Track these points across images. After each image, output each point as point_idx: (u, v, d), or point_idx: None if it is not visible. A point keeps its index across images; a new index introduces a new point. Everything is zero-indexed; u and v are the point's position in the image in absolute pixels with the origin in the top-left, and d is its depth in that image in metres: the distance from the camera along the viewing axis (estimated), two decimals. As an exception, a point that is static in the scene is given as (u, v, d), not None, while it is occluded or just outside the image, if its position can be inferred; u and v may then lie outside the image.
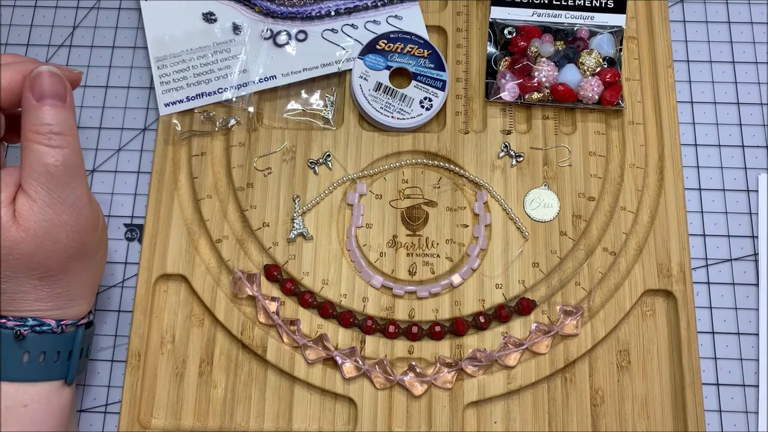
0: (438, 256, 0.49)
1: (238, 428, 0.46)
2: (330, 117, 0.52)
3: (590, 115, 0.52)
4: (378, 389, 0.46)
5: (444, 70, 0.51)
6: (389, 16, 0.54)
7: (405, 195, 0.50)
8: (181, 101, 0.51)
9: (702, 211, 0.51)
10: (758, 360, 0.48)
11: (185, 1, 0.54)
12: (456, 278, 0.48)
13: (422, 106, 0.51)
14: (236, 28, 0.53)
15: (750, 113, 0.53)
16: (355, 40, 0.53)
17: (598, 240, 0.49)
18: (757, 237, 0.51)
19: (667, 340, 0.48)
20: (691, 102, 0.54)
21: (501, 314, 0.47)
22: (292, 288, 0.48)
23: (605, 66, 0.52)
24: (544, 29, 0.53)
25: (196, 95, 0.51)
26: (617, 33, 0.53)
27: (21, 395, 0.39)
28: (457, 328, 0.47)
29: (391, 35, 0.52)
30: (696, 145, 0.53)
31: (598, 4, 0.53)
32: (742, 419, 0.47)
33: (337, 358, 0.46)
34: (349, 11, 0.54)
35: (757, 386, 0.48)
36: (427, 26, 0.54)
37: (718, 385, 0.48)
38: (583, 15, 0.53)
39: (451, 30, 0.54)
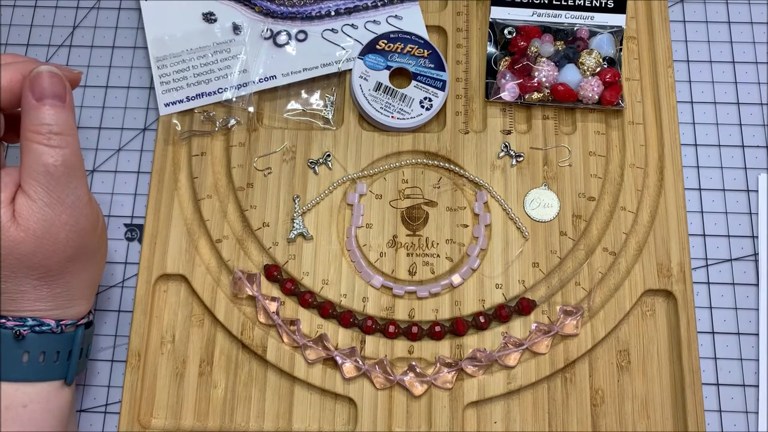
0: (438, 256, 0.49)
1: (238, 428, 0.46)
2: (330, 117, 0.52)
3: (590, 115, 0.52)
4: (378, 389, 0.46)
5: (444, 70, 0.51)
6: (389, 16, 0.54)
7: (405, 195, 0.50)
8: (181, 101, 0.51)
9: (702, 211, 0.51)
10: (758, 360, 0.48)
11: (185, 1, 0.54)
12: (456, 278, 0.48)
13: (422, 106, 0.51)
14: (236, 28, 0.53)
15: (750, 113, 0.53)
16: (355, 40, 0.53)
17: (598, 240, 0.49)
18: (757, 237, 0.51)
19: (667, 340, 0.48)
20: (691, 102, 0.54)
21: (501, 314, 0.47)
22: (292, 288, 0.48)
23: (605, 66, 0.52)
24: (544, 29, 0.53)
25: (196, 95, 0.51)
26: (617, 33, 0.52)
27: (20, 395, 0.39)
28: (457, 328, 0.47)
29: (391, 35, 0.52)
30: (696, 145, 0.53)
31: (598, 4, 0.53)
32: (742, 419, 0.47)
33: (337, 358, 0.46)
34: (349, 11, 0.54)
35: (757, 386, 0.48)
36: (427, 26, 0.54)
37: (718, 385, 0.48)
38: (583, 15, 0.53)
39: (451, 30, 0.54)
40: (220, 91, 0.51)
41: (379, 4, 0.54)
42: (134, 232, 0.52)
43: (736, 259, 0.50)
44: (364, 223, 0.49)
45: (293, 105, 0.53)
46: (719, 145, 0.53)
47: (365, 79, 0.51)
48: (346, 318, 0.47)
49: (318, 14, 0.53)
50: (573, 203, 0.50)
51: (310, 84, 0.53)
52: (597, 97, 0.51)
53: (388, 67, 0.51)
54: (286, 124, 0.52)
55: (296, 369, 0.47)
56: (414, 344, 0.47)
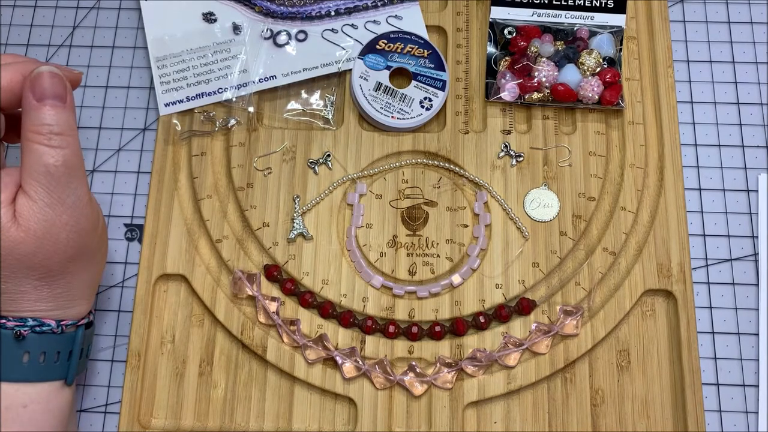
0: (438, 256, 0.49)
1: (238, 428, 0.47)
2: (330, 117, 0.52)
3: (590, 115, 0.52)
4: (378, 389, 0.46)
5: (444, 70, 0.51)
6: (389, 16, 0.54)
7: (405, 195, 0.50)
8: (181, 101, 0.51)
9: (702, 211, 0.51)
10: (758, 360, 0.48)
11: (185, 1, 0.54)
12: (456, 278, 0.48)
13: (422, 106, 0.51)
14: (236, 28, 0.53)
15: (750, 113, 0.53)
16: (355, 40, 0.53)
17: (598, 240, 0.49)
18: (757, 237, 0.51)
19: (667, 340, 0.48)
20: (691, 102, 0.54)
21: (501, 314, 0.47)
22: (292, 288, 0.48)
23: (605, 66, 0.52)
24: (544, 29, 0.53)
25: (196, 95, 0.51)
26: (617, 33, 0.52)
27: (21, 395, 0.39)
28: (457, 328, 0.47)
29: (391, 35, 0.52)
30: (696, 145, 0.53)
31: (598, 4, 0.53)
32: (742, 419, 0.47)
33: (337, 358, 0.46)
34: (349, 11, 0.54)
35: (757, 386, 0.48)
36: (427, 26, 0.54)
37: (718, 385, 0.48)
38: (583, 15, 0.53)
39: (451, 30, 0.54)
40: (220, 91, 0.51)
41: (379, 4, 0.54)
42: (134, 232, 0.52)
43: (736, 259, 0.50)
44: (364, 223, 0.49)
45: (293, 105, 0.53)
46: (719, 145, 0.53)
47: (365, 79, 0.51)
48: (346, 318, 0.47)
49: (318, 14, 0.53)
50: (573, 203, 0.50)
51: (310, 84, 0.53)
52: (597, 97, 0.51)
53: (388, 67, 0.51)
54: (286, 124, 0.52)
55: (296, 369, 0.47)
56: (414, 344, 0.47)
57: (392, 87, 0.51)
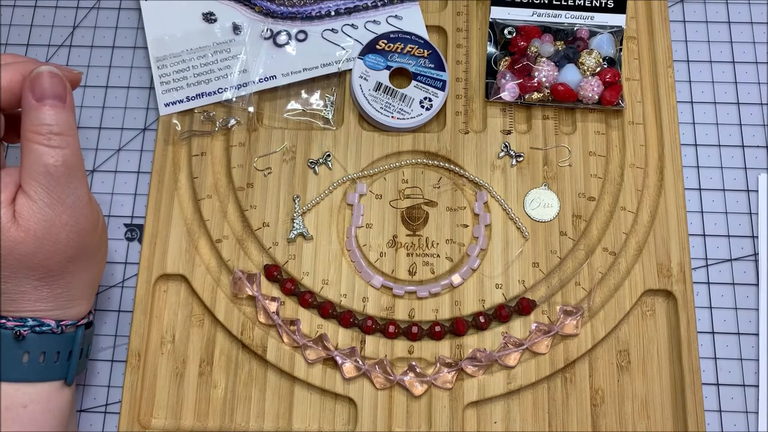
0: (438, 256, 0.49)
1: (238, 428, 0.47)
2: (330, 117, 0.52)
3: (590, 115, 0.52)
4: (378, 389, 0.46)
5: (444, 70, 0.51)
6: (389, 16, 0.54)
7: (405, 195, 0.50)
8: (181, 101, 0.51)
9: (702, 211, 0.51)
10: (758, 360, 0.48)
11: (185, 1, 0.54)
12: (456, 278, 0.48)
13: (422, 106, 0.51)
14: (236, 28, 0.53)
15: (750, 113, 0.53)
16: (355, 40, 0.53)
17: (598, 240, 0.49)
18: (757, 237, 0.51)
19: (667, 340, 0.48)
20: (691, 102, 0.54)
21: (501, 314, 0.47)
22: (292, 288, 0.48)
23: (605, 66, 0.52)
24: (544, 29, 0.53)
25: (196, 95, 0.51)
26: (617, 33, 0.52)
27: (21, 396, 0.39)
28: (457, 328, 0.47)
29: (391, 35, 0.52)
30: (696, 145, 0.53)
31: (598, 4, 0.53)
32: (742, 419, 0.47)
33: (337, 358, 0.46)
34: (349, 11, 0.54)
35: (757, 386, 0.48)
36: (427, 26, 0.54)
37: (718, 385, 0.48)
38: (583, 15, 0.53)
39: (451, 30, 0.54)
40: (220, 91, 0.51)
41: (379, 4, 0.54)
42: (134, 232, 0.52)
43: (736, 259, 0.50)
44: (364, 223, 0.49)
45: (293, 105, 0.53)
46: (719, 145, 0.53)
47: (365, 79, 0.51)
48: (346, 318, 0.47)
49: (318, 14, 0.53)
50: (573, 203, 0.50)
51: (310, 84, 0.53)
52: (597, 97, 0.51)
53: (388, 67, 0.51)
54: (286, 124, 0.52)
55: (296, 369, 0.47)
56: (414, 344, 0.47)
57: (392, 87, 0.51)
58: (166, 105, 0.51)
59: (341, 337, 0.47)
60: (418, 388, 0.46)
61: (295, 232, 0.49)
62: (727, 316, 0.49)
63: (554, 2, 0.53)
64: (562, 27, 0.53)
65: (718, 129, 0.53)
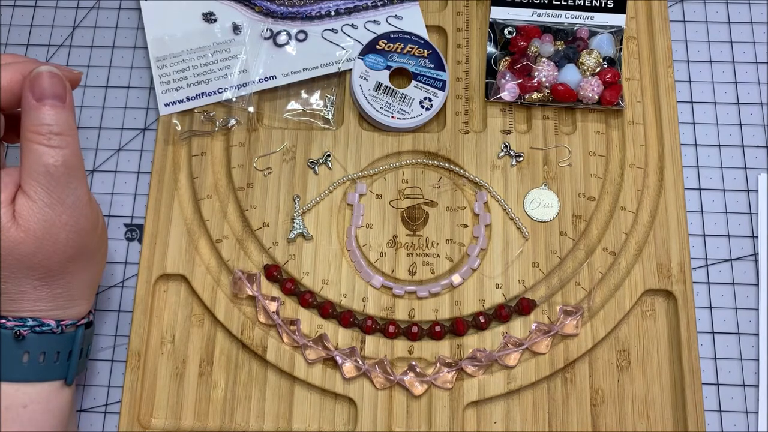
0: (438, 256, 0.49)
1: (238, 428, 0.47)
2: (330, 117, 0.52)
3: (590, 115, 0.52)
4: (378, 389, 0.46)
5: (444, 70, 0.51)
6: (389, 16, 0.54)
7: (405, 195, 0.50)
8: (181, 101, 0.51)
9: (702, 211, 0.51)
10: (758, 360, 0.48)
11: (185, 1, 0.54)
12: (456, 278, 0.48)
13: (422, 106, 0.51)
14: (236, 28, 0.53)
15: (750, 113, 0.53)
16: (355, 40, 0.53)
17: (598, 240, 0.49)
18: (757, 237, 0.51)
19: (667, 340, 0.48)
20: (691, 102, 0.54)
21: (501, 314, 0.47)
22: (292, 288, 0.48)
23: (605, 66, 0.52)
24: (544, 29, 0.53)
25: (196, 95, 0.51)
26: (617, 33, 0.52)
27: (20, 395, 0.39)
28: (457, 328, 0.47)
29: (391, 35, 0.52)
30: (696, 145, 0.53)
31: (598, 4, 0.53)
32: (742, 419, 0.47)
33: (337, 358, 0.46)
34: (349, 11, 0.54)
35: (757, 386, 0.48)
36: (427, 26, 0.54)
37: (718, 385, 0.48)
38: (583, 15, 0.53)
39: (451, 30, 0.54)
40: (220, 91, 0.51)
41: (379, 4, 0.54)
42: (134, 232, 0.52)
43: (736, 259, 0.50)
44: (364, 223, 0.49)
45: (293, 105, 0.53)
46: (719, 145, 0.53)
47: (365, 79, 0.51)
48: (346, 318, 0.47)
49: (318, 14, 0.53)
50: (573, 203, 0.50)
51: (310, 84, 0.53)
52: (597, 97, 0.51)
53: (388, 67, 0.51)
54: (286, 124, 0.52)
55: (296, 369, 0.47)
56: (414, 344, 0.47)
57: (392, 87, 0.51)
58: (166, 105, 0.51)
59: (341, 337, 0.47)
60: (418, 388, 0.46)
61: (295, 232, 0.49)
62: (727, 316, 0.49)
63: (554, 2, 0.53)
64: (562, 27, 0.53)
65: (718, 129, 0.53)
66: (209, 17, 0.53)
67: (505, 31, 0.53)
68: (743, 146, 0.53)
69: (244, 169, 0.50)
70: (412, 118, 0.50)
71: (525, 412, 0.47)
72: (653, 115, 0.52)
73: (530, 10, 0.53)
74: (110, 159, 0.53)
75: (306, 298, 0.48)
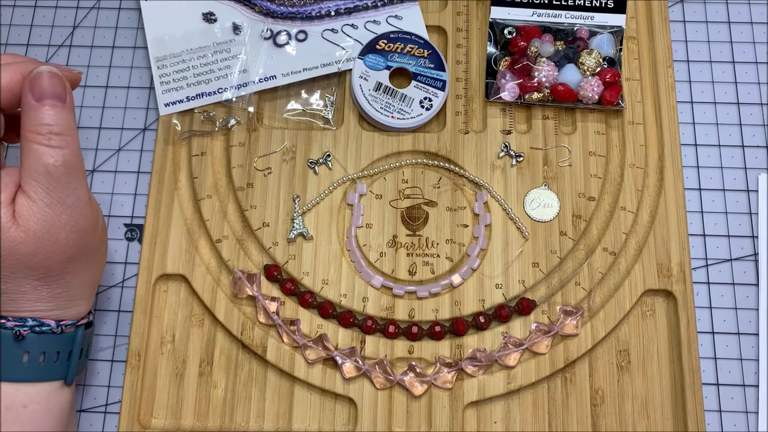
0: (438, 256, 0.49)
1: (238, 428, 0.47)
2: (330, 117, 0.52)
3: (590, 115, 0.52)
4: (378, 389, 0.46)
5: (444, 70, 0.51)
6: (389, 16, 0.54)
7: (405, 195, 0.50)
8: (181, 101, 0.51)
9: (702, 211, 0.51)
10: (758, 360, 0.48)
11: (185, 1, 0.54)
12: (456, 278, 0.48)
13: (422, 106, 0.51)
14: (236, 28, 0.53)
15: (750, 113, 0.53)
16: (355, 40, 0.53)
17: (598, 240, 0.49)
18: (757, 237, 0.51)
19: (667, 340, 0.48)
20: (691, 102, 0.54)
21: (501, 314, 0.47)
22: (292, 288, 0.48)
23: (605, 66, 0.52)
24: (544, 29, 0.53)
25: (196, 95, 0.51)
26: (617, 33, 0.52)
27: (20, 396, 0.39)
28: (457, 328, 0.47)
29: (391, 35, 0.52)
30: (696, 145, 0.53)
31: (598, 4, 0.53)
32: (742, 419, 0.47)
33: (337, 358, 0.46)
34: (349, 11, 0.54)
35: (757, 386, 0.48)
36: (427, 26, 0.54)
37: (718, 385, 0.48)
38: (583, 15, 0.53)
39: (451, 30, 0.54)
40: (220, 91, 0.51)
41: (379, 4, 0.54)
42: (134, 232, 0.52)
43: (736, 259, 0.50)
44: (364, 223, 0.49)
45: (293, 105, 0.53)
46: (719, 145, 0.53)
47: (365, 79, 0.51)
48: (346, 318, 0.47)
49: (318, 14, 0.53)
50: (573, 203, 0.50)
51: (310, 84, 0.53)
52: (597, 97, 0.51)
53: (388, 67, 0.51)
54: (286, 124, 0.52)
55: (296, 369, 0.47)
56: (414, 344, 0.47)
57: (392, 87, 0.51)
58: (166, 105, 0.51)
59: (341, 337, 0.47)
60: (418, 388, 0.46)
61: (295, 232, 0.49)
62: (727, 316, 0.49)
63: (554, 2, 0.53)
64: (562, 27, 0.53)
65: (718, 129, 0.53)
66: (209, 17, 0.53)
67: (505, 31, 0.53)
68: (743, 146, 0.53)
69: (244, 169, 0.50)
70: (412, 118, 0.50)
71: (525, 412, 0.47)
72: (653, 115, 0.52)
73: (530, 10, 0.53)
74: (110, 159, 0.53)
75: (306, 298, 0.48)
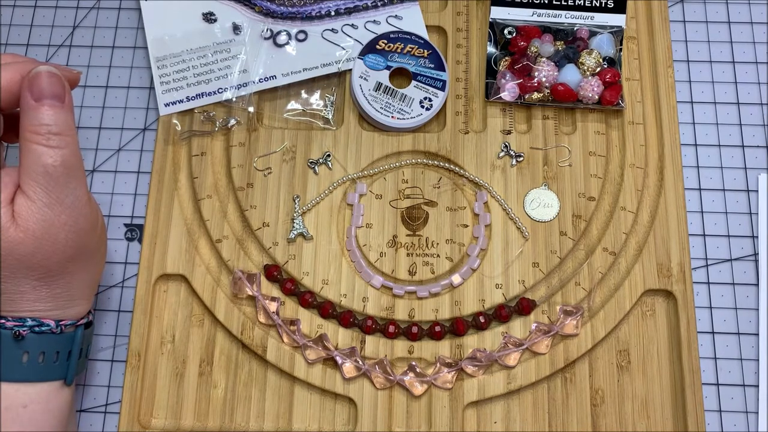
0: (438, 256, 0.49)
1: (238, 428, 0.46)
2: (330, 117, 0.52)
3: (590, 115, 0.52)
4: (378, 389, 0.46)
5: (444, 70, 0.51)
6: (389, 16, 0.54)
7: (405, 195, 0.50)
8: (181, 101, 0.51)
9: (702, 211, 0.51)
10: (758, 360, 0.48)
11: (185, 1, 0.54)
12: (456, 278, 0.48)
13: (422, 106, 0.51)
14: (236, 28, 0.53)
15: (750, 113, 0.53)
16: (355, 40, 0.53)
17: (598, 240, 0.49)
18: (757, 237, 0.51)
19: (667, 340, 0.48)
20: (691, 102, 0.54)
21: (501, 314, 0.47)
22: (292, 288, 0.48)
23: (605, 66, 0.52)
24: (544, 29, 0.53)
25: (196, 95, 0.51)
26: (617, 33, 0.52)
27: (20, 396, 0.39)
28: (457, 328, 0.47)
29: (391, 35, 0.52)
30: (696, 145, 0.53)
31: (598, 4, 0.53)
32: (742, 419, 0.47)
33: (337, 358, 0.46)
34: (349, 11, 0.54)
35: (757, 386, 0.48)
36: (427, 26, 0.54)
37: (718, 385, 0.48)
38: (583, 15, 0.53)
39: (451, 30, 0.54)
40: (220, 91, 0.51)
41: (379, 4, 0.54)
42: (134, 232, 0.52)
43: (736, 259, 0.50)
44: (364, 223, 0.49)
45: (293, 105, 0.53)
46: (719, 145, 0.53)
47: (365, 79, 0.51)
48: (346, 318, 0.47)
49: (318, 14, 0.53)
50: (573, 203, 0.50)
51: (310, 84, 0.53)
52: (597, 97, 0.51)
53: (388, 67, 0.51)
54: (286, 124, 0.52)
55: (296, 369, 0.47)
56: (414, 344, 0.47)
57: (392, 87, 0.51)
58: (166, 105, 0.51)
59: (341, 337, 0.47)
60: (418, 388, 0.46)
61: (295, 232, 0.49)
62: (727, 316, 0.49)
63: (554, 2, 0.53)
64: (562, 27, 0.53)
65: (718, 129, 0.53)
66: (209, 17, 0.53)
67: (505, 31, 0.53)
68: (743, 146, 0.53)
69: (244, 169, 0.50)
70: (412, 118, 0.50)
71: (525, 412, 0.46)
72: (653, 115, 0.52)
73: (530, 10, 0.53)
74: (110, 159, 0.53)
75: (306, 298, 0.48)
